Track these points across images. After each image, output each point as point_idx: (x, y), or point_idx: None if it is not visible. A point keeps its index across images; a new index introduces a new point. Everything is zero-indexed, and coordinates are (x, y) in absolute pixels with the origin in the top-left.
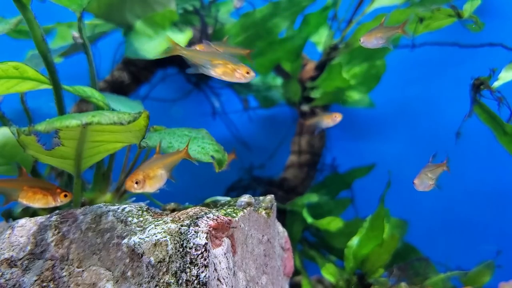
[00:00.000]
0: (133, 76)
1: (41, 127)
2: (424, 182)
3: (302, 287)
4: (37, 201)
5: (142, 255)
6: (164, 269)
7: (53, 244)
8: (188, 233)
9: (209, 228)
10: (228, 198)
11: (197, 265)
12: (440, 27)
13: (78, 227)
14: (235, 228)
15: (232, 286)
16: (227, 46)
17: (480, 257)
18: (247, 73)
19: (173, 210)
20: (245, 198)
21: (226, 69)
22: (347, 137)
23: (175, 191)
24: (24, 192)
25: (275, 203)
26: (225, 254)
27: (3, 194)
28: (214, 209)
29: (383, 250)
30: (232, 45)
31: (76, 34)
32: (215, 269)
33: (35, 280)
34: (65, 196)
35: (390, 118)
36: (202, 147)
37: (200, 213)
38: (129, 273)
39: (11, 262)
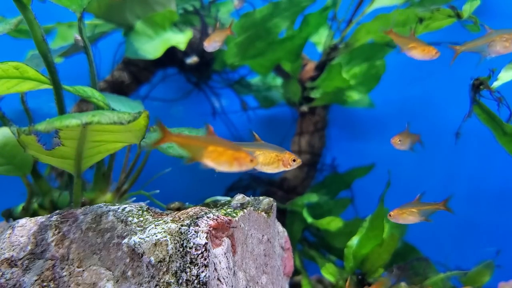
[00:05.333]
0: (133, 76)
1: (41, 126)
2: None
3: (302, 287)
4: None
5: (142, 255)
6: (164, 269)
7: (53, 244)
8: (188, 233)
9: (209, 228)
10: (228, 198)
11: (197, 265)
12: (439, 28)
13: (79, 227)
14: (235, 228)
15: (232, 286)
16: None
17: (480, 257)
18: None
19: (177, 209)
20: (238, 200)
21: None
22: (347, 137)
23: (176, 191)
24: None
25: (275, 203)
26: (225, 254)
27: None
28: (214, 209)
29: (383, 250)
30: None
31: (78, 36)
32: (215, 269)
33: (36, 280)
34: None
35: (390, 118)
36: None
37: (200, 213)
38: (129, 273)
39: (11, 262)
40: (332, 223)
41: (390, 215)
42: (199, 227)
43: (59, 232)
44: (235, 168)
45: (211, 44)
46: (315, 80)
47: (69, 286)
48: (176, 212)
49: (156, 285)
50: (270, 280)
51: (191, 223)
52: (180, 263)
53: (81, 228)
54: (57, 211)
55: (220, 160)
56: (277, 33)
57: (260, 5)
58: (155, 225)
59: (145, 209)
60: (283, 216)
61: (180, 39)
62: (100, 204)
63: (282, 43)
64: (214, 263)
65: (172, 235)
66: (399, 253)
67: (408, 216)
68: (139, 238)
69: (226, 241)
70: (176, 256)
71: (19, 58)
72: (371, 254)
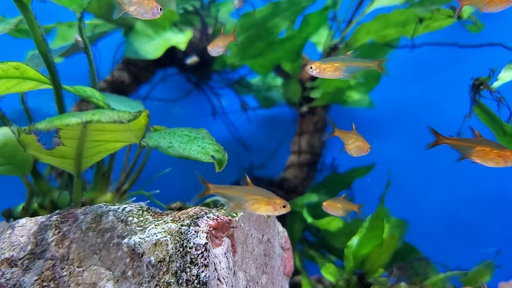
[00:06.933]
0: (133, 76)
1: (41, 125)
2: (335, 211)
3: (302, 287)
4: None
5: (142, 255)
6: (165, 269)
7: (53, 243)
8: (188, 232)
9: (209, 227)
10: None
11: (197, 265)
12: (439, 28)
13: (79, 227)
14: (235, 227)
15: (232, 286)
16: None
17: (480, 257)
18: None
19: (179, 209)
20: None
21: None
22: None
23: (176, 191)
24: None
25: None
26: (225, 253)
27: None
28: (214, 209)
29: (383, 250)
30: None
31: (79, 37)
32: (215, 269)
33: (36, 280)
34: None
35: (390, 118)
36: (202, 147)
37: (200, 212)
38: (129, 273)
39: (11, 262)
40: (332, 223)
41: (323, 205)
42: (199, 227)
43: (59, 232)
44: (501, 165)
45: (215, 49)
46: (315, 80)
47: (69, 286)
48: (176, 212)
49: (156, 285)
50: (270, 280)
51: (191, 223)
52: (180, 263)
53: (81, 228)
54: (57, 211)
55: (487, 157)
56: (277, 33)
57: (260, 5)
58: (155, 225)
59: (145, 209)
60: (283, 216)
61: (180, 39)
62: (100, 204)
63: (282, 43)
64: (214, 263)
65: (172, 235)
66: (399, 253)
67: (333, 209)
68: (139, 238)
69: (226, 241)
70: (176, 256)
71: (19, 58)
72: (371, 254)
